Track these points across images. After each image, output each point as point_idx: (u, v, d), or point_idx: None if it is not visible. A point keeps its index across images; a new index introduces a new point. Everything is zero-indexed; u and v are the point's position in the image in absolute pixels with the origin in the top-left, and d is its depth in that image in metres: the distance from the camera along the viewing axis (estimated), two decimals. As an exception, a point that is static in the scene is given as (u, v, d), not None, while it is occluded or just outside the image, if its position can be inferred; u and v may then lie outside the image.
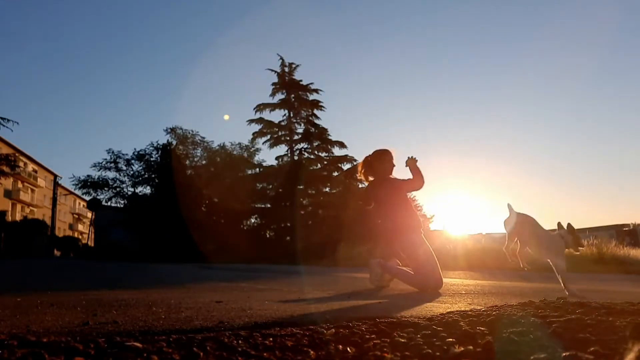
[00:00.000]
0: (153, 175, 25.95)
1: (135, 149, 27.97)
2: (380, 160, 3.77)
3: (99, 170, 25.18)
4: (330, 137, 25.35)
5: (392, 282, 3.84)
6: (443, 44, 61.90)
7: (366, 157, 3.89)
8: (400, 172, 3.76)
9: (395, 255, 3.76)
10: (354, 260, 14.25)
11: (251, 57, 60.93)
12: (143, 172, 26.09)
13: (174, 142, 26.17)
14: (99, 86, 72.57)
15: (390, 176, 3.76)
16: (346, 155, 24.97)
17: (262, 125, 25.87)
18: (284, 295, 2.84)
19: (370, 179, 3.87)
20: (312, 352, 1.04)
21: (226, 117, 52.24)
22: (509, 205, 3.26)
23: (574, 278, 3.46)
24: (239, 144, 26.76)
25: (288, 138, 25.74)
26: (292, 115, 25.82)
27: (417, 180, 3.58)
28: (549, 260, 3.08)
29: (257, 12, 64.11)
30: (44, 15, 66.56)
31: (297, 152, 25.60)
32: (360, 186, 24.21)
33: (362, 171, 3.90)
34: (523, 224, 3.17)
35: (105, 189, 25.39)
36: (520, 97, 57.98)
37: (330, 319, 1.64)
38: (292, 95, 25.80)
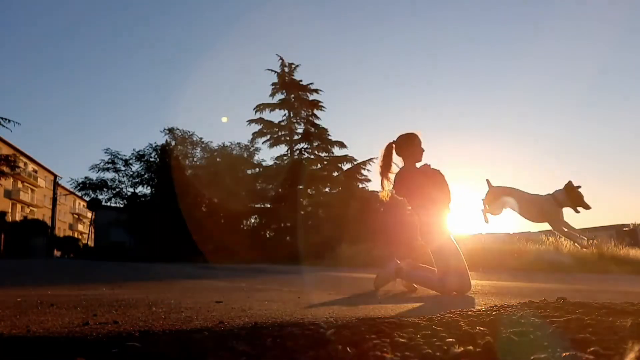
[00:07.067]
0: (153, 176, 25.96)
1: (134, 149, 27.99)
2: (408, 144, 3.38)
3: (97, 172, 25.19)
4: (330, 137, 25.37)
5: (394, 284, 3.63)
6: (444, 43, 61.90)
7: (390, 143, 3.45)
8: (429, 158, 3.45)
9: (419, 252, 3.60)
10: (354, 260, 14.25)
11: (251, 57, 60.93)
12: (142, 173, 26.11)
13: (173, 143, 26.19)
14: (99, 86, 72.62)
15: (422, 164, 3.41)
16: (346, 155, 24.98)
17: (262, 125, 25.88)
18: (284, 295, 2.84)
19: (394, 170, 3.44)
20: (312, 352, 1.04)
21: (224, 119, 52.50)
22: (487, 181, 3.22)
23: (577, 279, 3.46)
24: (239, 144, 26.79)
25: (288, 138, 25.74)
26: (292, 115, 25.82)
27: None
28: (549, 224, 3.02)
29: (257, 12, 64.11)
30: (43, 15, 66.56)
31: (297, 152, 25.61)
32: (360, 186, 24.24)
33: (383, 160, 3.44)
34: (507, 192, 3.12)
35: (105, 189, 25.40)
36: (521, 97, 57.98)
37: (330, 319, 1.64)
38: (292, 96, 25.79)
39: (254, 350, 1.06)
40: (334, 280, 5.22)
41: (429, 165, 3.41)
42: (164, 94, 70.26)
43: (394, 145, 3.46)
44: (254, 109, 25.96)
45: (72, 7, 67.54)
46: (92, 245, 33.97)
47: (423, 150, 3.42)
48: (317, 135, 25.38)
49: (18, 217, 39.70)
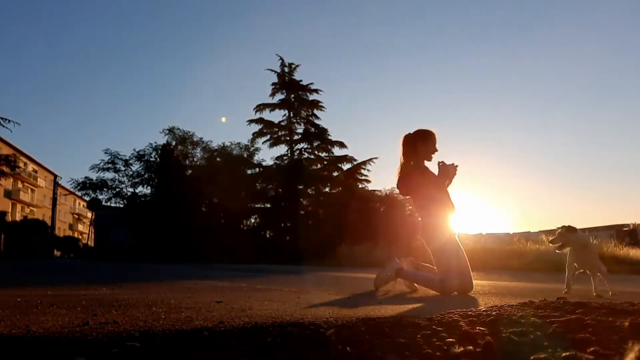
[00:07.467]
0: (153, 175, 25.94)
1: (134, 149, 27.93)
2: (423, 141, 3.34)
3: (97, 172, 25.15)
4: (330, 137, 25.37)
5: (395, 283, 3.60)
6: (444, 42, 61.91)
7: (407, 135, 3.41)
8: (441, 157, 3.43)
9: (419, 252, 3.58)
10: (354, 260, 14.25)
11: (251, 57, 61.00)
12: (143, 173, 26.08)
13: (173, 143, 26.17)
14: (99, 86, 72.71)
15: (426, 164, 3.40)
16: (346, 155, 24.98)
17: (262, 125, 25.89)
18: (284, 295, 2.84)
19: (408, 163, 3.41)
20: (312, 352, 1.04)
21: (224, 119, 52.59)
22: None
23: (577, 279, 3.51)
24: (239, 144, 26.75)
25: (288, 138, 25.75)
26: (292, 115, 25.82)
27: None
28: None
29: (257, 12, 64.12)
30: (44, 16, 66.59)
31: (297, 152, 25.62)
32: (360, 186, 24.23)
33: (404, 152, 3.39)
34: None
35: (105, 189, 25.37)
36: (521, 97, 57.98)
37: (330, 319, 1.64)
38: (292, 96, 25.80)
39: (254, 350, 1.06)
40: (334, 280, 5.22)
41: (444, 163, 3.33)
42: (164, 93, 70.33)
43: (412, 138, 3.39)
44: (254, 109, 25.99)
45: (72, 6, 67.62)
46: (92, 245, 33.94)
47: (436, 151, 3.38)
48: (317, 135, 25.38)
49: (18, 217, 39.69)
